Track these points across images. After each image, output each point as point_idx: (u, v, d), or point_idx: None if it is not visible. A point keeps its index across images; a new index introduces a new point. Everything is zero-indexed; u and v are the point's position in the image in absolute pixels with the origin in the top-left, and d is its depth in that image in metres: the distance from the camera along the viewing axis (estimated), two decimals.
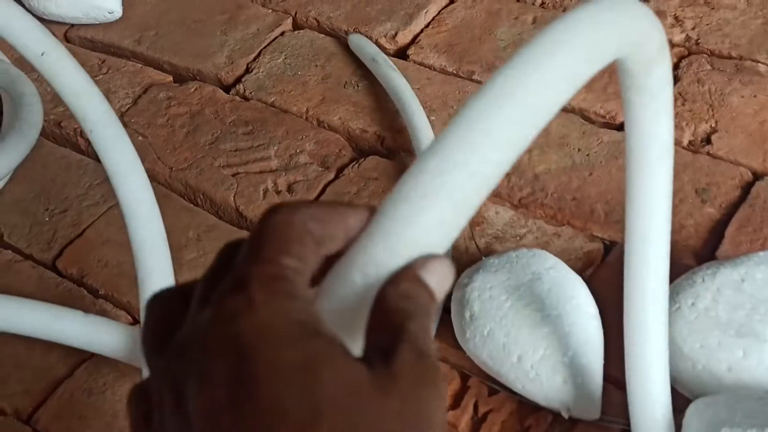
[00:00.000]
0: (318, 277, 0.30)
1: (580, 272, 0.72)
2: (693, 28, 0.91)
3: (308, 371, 0.26)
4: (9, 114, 0.93)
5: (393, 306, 0.28)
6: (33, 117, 0.88)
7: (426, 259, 0.29)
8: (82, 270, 0.81)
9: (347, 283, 0.29)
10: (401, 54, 0.97)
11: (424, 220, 0.30)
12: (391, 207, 0.30)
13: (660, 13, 0.93)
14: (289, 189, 0.85)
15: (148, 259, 0.70)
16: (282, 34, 1.01)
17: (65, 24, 1.06)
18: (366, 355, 0.27)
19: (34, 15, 1.03)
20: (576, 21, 0.35)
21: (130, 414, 0.29)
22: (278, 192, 0.85)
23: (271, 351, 0.26)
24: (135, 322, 0.77)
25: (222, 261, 0.30)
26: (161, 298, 0.31)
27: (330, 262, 0.30)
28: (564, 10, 0.96)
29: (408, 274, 0.29)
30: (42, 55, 0.66)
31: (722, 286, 0.62)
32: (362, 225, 0.30)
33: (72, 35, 1.06)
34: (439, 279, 0.29)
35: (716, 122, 0.83)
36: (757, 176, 0.78)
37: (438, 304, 0.30)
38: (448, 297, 0.71)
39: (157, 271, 0.69)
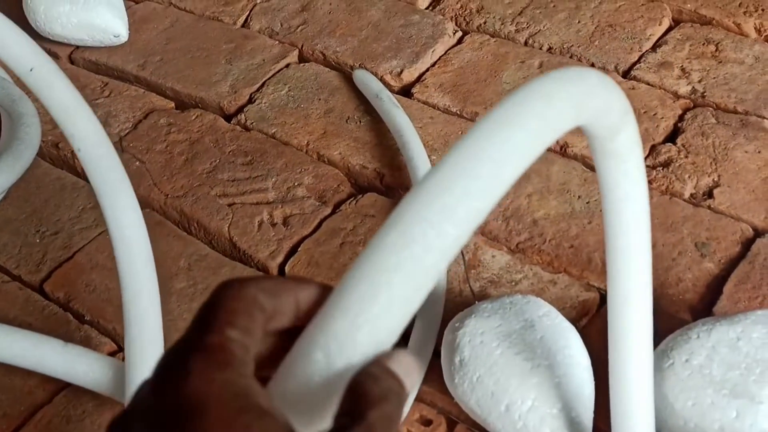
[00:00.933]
0: (267, 355, 0.31)
1: (574, 321, 0.71)
2: (699, 81, 0.91)
3: None
4: (7, 133, 0.92)
5: (360, 390, 0.28)
6: (30, 138, 0.88)
7: (391, 352, 0.30)
8: (69, 294, 0.80)
9: (307, 361, 0.30)
10: (406, 92, 0.96)
11: (385, 296, 0.30)
12: (352, 283, 0.30)
13: (667, 65, 0.93)
14: (285, 222, 0.84)
15: (134, 282, 0.69)
16: (287, 66, 1.01)
17: (71, 45, 1.06)
18: None
19: (39, 35, 1.04)
20: (531, 94, 0.36)
21: None
22: (273, 224, 0.84)
23: (199, 424, 0.26)
24: (119, 349, 0.76)
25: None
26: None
27: (281, 338, 0.31)
28: (571, 57, 0.96)
29: (377, 362, 0.29)
30: (31, 70, 0.65)
31: (717, 343, 0.61)
32: (313, 300, 0.31)
33: (76, 57, 1.06)
34: (406, 370, 0.30)
35: (719, 176, 0.82)
36: (758, 233, 0.77)
37: (407, 396, 0.30)
38: (438, 340, 0.70)
39: (143, 293, 0.68)
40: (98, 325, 0.78)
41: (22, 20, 1.07)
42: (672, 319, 0.71)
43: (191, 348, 0.28)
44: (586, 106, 0.39)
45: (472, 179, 0.32)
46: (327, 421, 0.29)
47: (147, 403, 0.27)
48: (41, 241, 0.85)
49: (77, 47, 1.06)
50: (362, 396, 0.28)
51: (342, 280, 0.31)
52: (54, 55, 1.05)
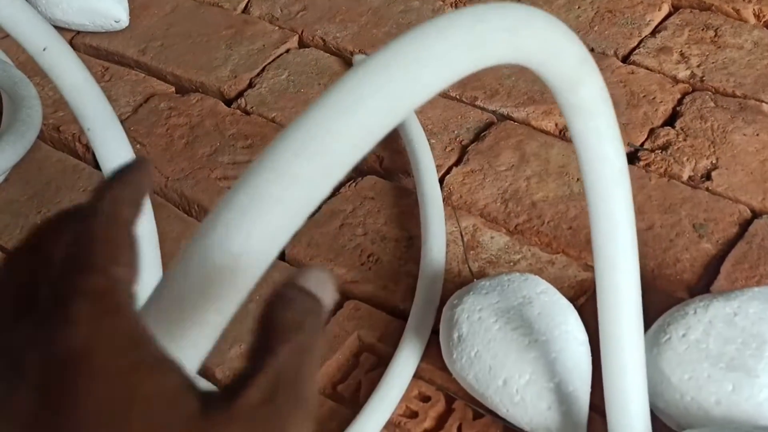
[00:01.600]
0: None
1: (572, 300, 0.71)
2: (698, 66, 0.91)
3: (128, 404, 0.22)
4: (8, 115, 0.93)
5: (268, 319, 0.25)
6: (32, 119, 0.88)
7: (300, 270, 0.26)
8: None
9: (190, 268, 0.28)
10: None
11: (267, 200, 0.30)
12: (231, 193, 0.31)
13: (666, 50, 0.93)
14: None
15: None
16: (287, 51, 1.01)
17: (71, 31, 1.06)
18: (221, 392, 0.24)
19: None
20: (468, 14, 0.37)
21: None
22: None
23: (84, 383, 0.22)
24: None
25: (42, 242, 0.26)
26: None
27: None
28: None
29: (287, 283, 0.26)
30: (44, 50, 0.66)
31: (714, 318, 0.61)
32: None
33: (77, 42, 1.06)
34: (318, 284, 0.26)
35: (717, 159, 0.82)
36: (755, 214, 0.77)
37: (326, 312, 0.26)
38: (437, 318, 0.71)
39: (145, 265, 0.69)
40: None
41: None
42: (669, 298, 0.72)
43: (73, 292, 0.23)
44: (527, 39, 0.39)
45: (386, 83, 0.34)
46: (210, 339, 0.26)
47: (14, 358, 0.23)
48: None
49: (78, 32, 1.07)
50: (272, 327, 0.24)
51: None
52: None
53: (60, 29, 1.05)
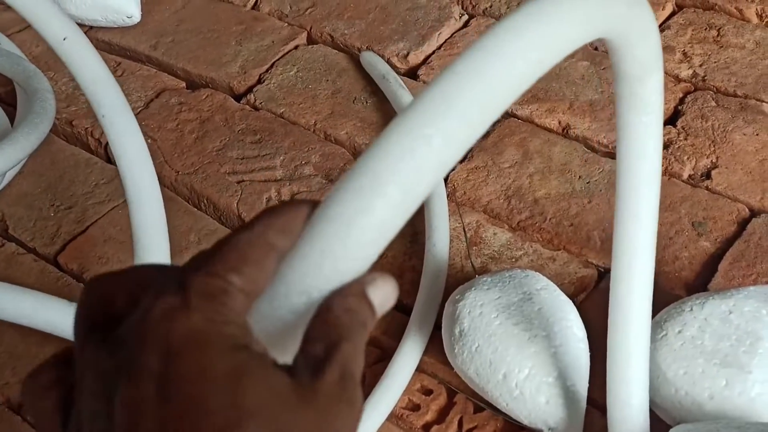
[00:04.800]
0: None
1: (572, 296, 0.73)
2: (701, 65, 0.92)
3: (234, 378, 0.26)
4: (22, 107, 0.95)
5: (334, 319, 0.28)
6: (45, 111, 0.90)
7: (373, 275, 0.30)
8: (83, 266, 0.82)
9: (282, 296, 0.29)
10: (412, 74, 0.98)
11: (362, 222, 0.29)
12: (326, 211, 0.30)
13: (669, 49, 0.94)
14: (293, 198, 0.86)
15: (147, 240, 0.71)
16: (296, 47, 1.02)
17: (84, 26, 1.08)
18: (296, 364, 0.28)
19: None
20: None
21: (35, 400, 0.29)
22: (281, 201, 0.86)
23: (200, 355, 0.26)
24: None
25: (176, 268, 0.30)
26: (105, 282, 0.30)
27: None
28: None
29: (354, 288, 0.29)
30: (64, 40, 0.68)
31: (710, 316, 0.63)
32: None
33: (90, 37, 1.07)
34: (383, 296, 0.30)
35: (717, 158, 0.83)
36: (754, 213, 0.79)
37: (377, 320, 0.30)
38: (440, 313, 0.72)
39: (154, 254, 0.71)
40: None
41: None
42: (668, 295, 0.73)
43: (190, 285, 0.27)
44: (623, 20, 0.38)
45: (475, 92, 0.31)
46: (294, 346, 0.29)
47: (134, 332, 0.27)
48: (55, 215, 0.87)
49: (91, 28, 1.08)
50: (334, 324, 0.28)
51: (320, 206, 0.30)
52: None
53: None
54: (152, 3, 1.10)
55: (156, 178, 0.72)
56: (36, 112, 0.89)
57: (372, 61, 0.96)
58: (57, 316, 0.69)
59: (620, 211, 0.51)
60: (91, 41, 1.06)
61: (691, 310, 0.64)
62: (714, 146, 0.84)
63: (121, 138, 0.68)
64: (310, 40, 1.04)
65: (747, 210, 0.79)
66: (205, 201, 0.88)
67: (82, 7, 1.05)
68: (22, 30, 1.10)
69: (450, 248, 0.79)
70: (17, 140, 0.84)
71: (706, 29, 0.96)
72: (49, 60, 1.04)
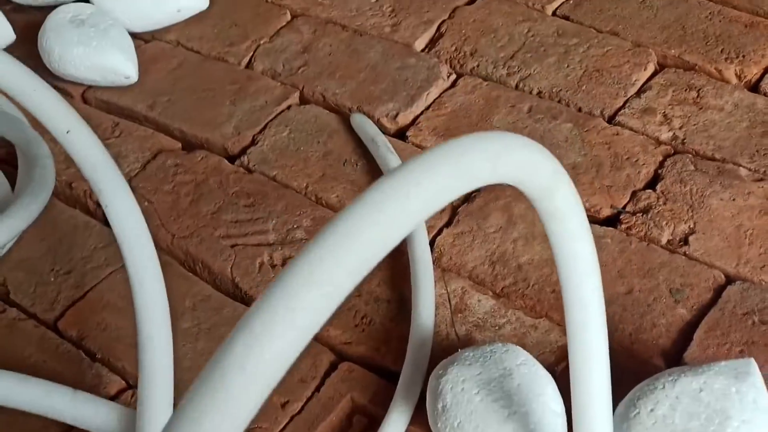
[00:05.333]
0: None
1: (553, 365, 0.76)
2: (680, 127, 0.95)
3: None
4: (23, 172, 0.98)
5: None
6: (45, 180, 0.93)
7: None
8: (82, 332, 0.85)
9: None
10: (401, 135, 1.01)
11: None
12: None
13: (650, 111, 0.97)
14: (284, 263, 0.89)
15: (149, 327, 0.74)
16: (289, 107, 1.05)
17: (83, 85, 1.11)
18: None
19: (53, 75, 1.09)
20: (451, 147, 0.41)
21: None
22: (273, 266, 0.89)
23: None
24: (128, 386, 0.81)
25: None
26: None
27: None
28: (559, 101, 1.00)
29: None
30: (67, 132, 0.71)
31: (681, 394, 0.65)
32: None
33: (89, 96, 1.11)
34: None
35: (695, 223, 0.86)
36: (729, 280, 0.82)
37: None
38: (426, 381, 0.75)
39: (156, 338, 0.73)
40: (109, 363, 0.83)
41: (36, 58, 1.13)
42: (645, 364, 0.76)
43: None
44: (506, 164, 0.44)
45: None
46: None
47: None
48: (55, 280, 0.90)
49: (89, 87, 1.11)
50: None
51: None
52: (67, 94, 1.11)
53: (72, 83, 1.11)
54: (149, 61, 1.13)
55: (158, 263, 0.74)
56: (36, 181, 0.92)
57: (362, 123, 0.99)
58: (57, 403, 0.71)
59: (568, 305, 0.55)
60: (91, 100, 1.10)
61: (663, 387, 0.66)
62: (692, 211, 0.87)
63: (125, 226, 0.71)
64: (303, 100, 1.07)
65: (723, 277, 0.82)
66: (200, 265, 0.91)
67: (81, 68, 1.08)
68: None
69: (436, 315, 0.81)
70: (18, 212, 0.87)
71: (686, 90, 0.99)
72: None
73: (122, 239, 0.71)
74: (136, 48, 1.13)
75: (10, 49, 1.16)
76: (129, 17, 1.15)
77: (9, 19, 1.19)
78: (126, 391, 0.81)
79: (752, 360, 0.69)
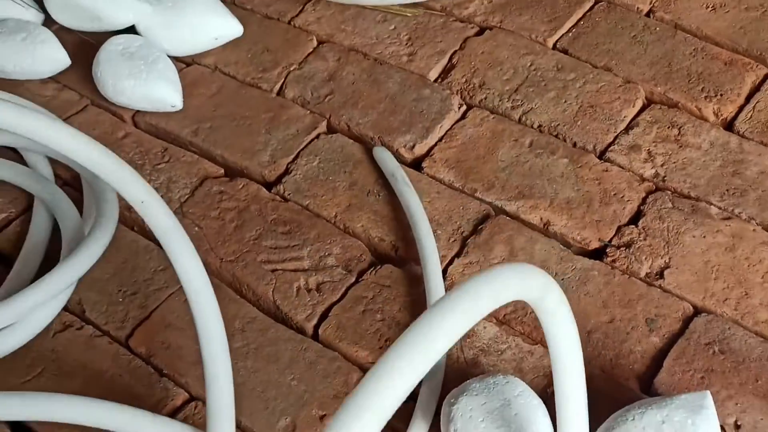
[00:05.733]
0: None
1: (545, 388, 0.91)
2: (662, 165, 1.09)
3: None
4: (88, 201, 1.12)
5: None
6: (112, 211, 1.07)
7: None
8: (149, 350, 1.01)
9: None
10: (417, 165, 1.15)
11: None
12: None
13: (636, 147, 1.11)
14: (318, 288, 1.04)
15: (211, 350, 0.89)
16: (317, 137, 1.19)
17: (133, 109, 1.25)
18: None
19: (107, 101, 1.23)
20: (474, 285, 0.58)
21: None
22: (309, 290, 1.04)
23: None
24: (191, 398, 0.97)
25: None
26: None
27: None
28: (556, 136, 1.14)
29: None
30: (142, 202, 0.86)
31: (647, 426, 0.81)
32: None
33: (138, 119, 1.25)
34: None
35: (670, 258, 1.01)
36: (697, 312, 0.96)
37: None
38: (440, 401, 0.91)
39: (219, 361, 0.89)
40: (174, 378, 0.98)
41: (90, 84, 1.26)
42: (621, 387, 0.92)
43: None
44: (516, 287, 0.61)
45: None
46: None
47: None
48: (123, 300, 1.05)
49: (138, 111, 1.25)
50: None
51: None
52: (120, 118, 1.24)
53: (123, 108, 1.24)
54: (190, 86, 1.27)
55: (216, 304, 0.89)
56: (103, 214, 1.06)
57: (383, 157, 1.13)
58: (141, 426, 0.87)
59: (557, 379, 0.71)
60: (140, 123, 1.24)
61: (633, 419, 0.82)
62: (668, 247, 1.02)
63: (191, 280, 0.86)
64: (330, 128, 1.21)
65: (691, 309, 0.97)
66: (245, 288, 1.06)
67: (132, 98, 1.21)
68: (78, 112, 1.26)
69: None
70: (90, 247, 1.02)
71: (669, 127, 1.13)
72: (106, 144, 1.21)
73: (189, 292, 0.86)
74: (178, 71, 1.27)
75: (66, 73, 1.29)
76: (171, 44, 1.28)
77: (60, 40, 1.31)
78: (190, 402, 0.97)
79: (708, 393, 0.84)
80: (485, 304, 0.58)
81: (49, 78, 1.30)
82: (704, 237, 1.02)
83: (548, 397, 0.88)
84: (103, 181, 1.09)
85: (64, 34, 1.34)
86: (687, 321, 0.96)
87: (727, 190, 1.06)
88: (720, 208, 1.04)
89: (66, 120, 1.25)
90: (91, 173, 1.11)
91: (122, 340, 1.02)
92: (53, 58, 1.27)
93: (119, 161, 0.87)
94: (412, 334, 0.56)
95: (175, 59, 1.29)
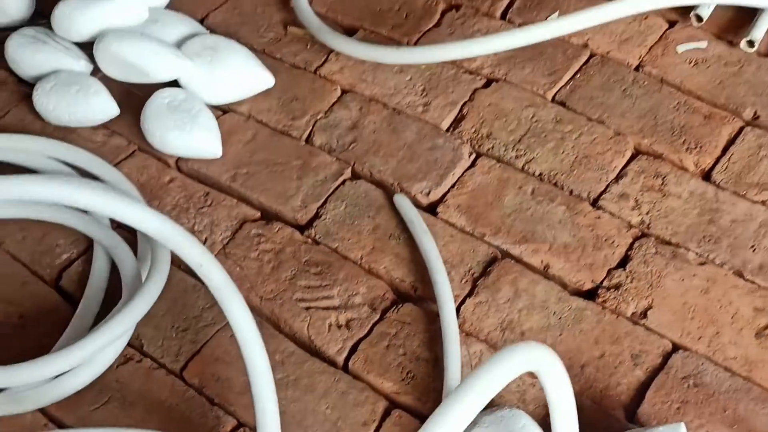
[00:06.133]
0: None
1: (544, 417, 1.07)
2: (647, 213, 1.24)
3: None
4: (143, 247, 1.27)
5: None
6: (165, 255, 1.22)
7: None
8: (201, 382, 1.16)
9: None
10: (432, 209, 1.29)
11: None
12: None
13: (625, 196, 1.26)
14: (347, 325, 1.19)
15: (260, 386, 1.05)
16: (343, 182, 1.34)
17: (175, 156, 1.39)
18: None
19: (154, 149, 1.37)
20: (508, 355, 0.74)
21: None
22: (339, 326, 1.19)
23: None
24: (239, 425, 1.13)
25: None
26: None
27: None
28: (555, 184, 1.29)
29: None
30: (201, 266, 1.01)
31: None
32: None
33: (181, 165, 1.39)
34: None
35: (652, 300, 1.16)
36: (675, 348, 1.12)
37: None
38: None
39: (266, 393, 1.04)
40: (223, 406, 1.14)
41: (138, 133, 1.41)
42: (609, 417, 1.07)
43: None
44: (526, 364, 0.78)
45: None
46: None
47: None
48: (176, 336, 1.21)
49: (180, 158, 1.39)
50: None
51: None
52: (165, 163, 1.39)
53: (167, 155, 1.39)
54: (227, 133, 1.41)
55: (262, 344, 1.04)
56: (157, 261, 1.21)
57: (402, 204, 1.28)
58: None
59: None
60: (183, 168, 1.39)
61: None
62: (651, 289, 1.17)
63: (243, 330, 1.01)
64: (354, 175, 1.35)
65: (670, 346, 1.12)
66: (283, 323, 1.21)
67: (176, 147, 1.36)
68: (127, 158, 1.41)
69: (462, 374, 1.12)
70: (148, 292, 1.17)
71: (654, 177, 1.27)
72: (153, 188, 1.36)
73: (241, 342, 1.02)
74: (216, 117, 1.41)
75: (114, 122, 1.44)
76: (210, 95, 1.43)
77: (108, 88, 1.45)
78: (239, 429, 1.12)
79: (682, 424, 1.00)
80: (499, 384, 0.74)
81: (100, 125, 1.44)
82: (683, 280, 1.17)
83: (547, 426, 1.04)
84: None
85: (110, 82, 1.48)
86: (667, 357, 1.11)
87: (704, 237, 1.21)
88: (697, 253, 1.19)
89: (116, 164, 1.39)
90: None
91: (177, 372, 1.18)
92: (104, 108, 1.42)
93: (181, 230, 1.02)
94: (435, 423, 0.71)
95: (213, 107, 1.44)
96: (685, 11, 1.45)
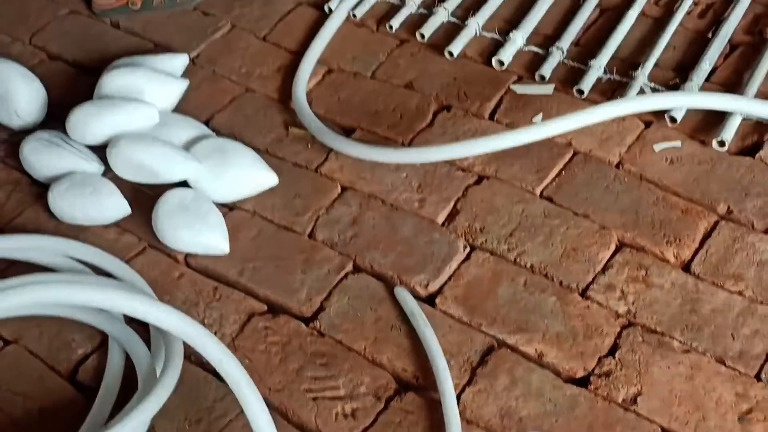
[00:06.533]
0: None
1: None
2: (633, 303, 1.32)
3: None
4: (156, 344, 1.33)
5: None
6: (178, 351, 1.28)
7: None
8: None
9: None
10: (431, 300, 1.37)
11: None
12: None
13: (611, 287, 1.34)
14: (353, 414, 1.25)
15: None
16: (346, 276, 1.41)
17: (184, 252, 1.47)
18: None
19: (164, 246, 1.45)
20: None
21: None
22: (345, 416, 1.25)
23: None
24: None
25: None
26: None
27: None
28: (545, 276, 1.37)
29: None
30: (221, 362, 1.08)
31: None
32: None
33: (190, 260, 1.46)
34: None
35: (641, 386, 1.23)
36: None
37: None
38: None
39: None
40: None
41: (149, 231, 1.48)
42: None
43: None
44: None
45: None
46: None
47: None
48: (190, 427, 1.27)
49: (189, 254, 1.47)
50: None
51: None
52: (174, 259, 1.46)
53: (177, 251, 1.46)
54: (234, 229, 1.49)
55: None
56: (171, 353, 1.28)
57: (403, 296, 1.36)
58: None
59: None
60: (192, 264, 1.46)
61: None
62: (639, 377, 1.24)
63: (258, 422, 1.07)
64: (356, 268, 1.43)
65: (660, 430, 1.19)
66: (291, 413, 1.27)
67: (187, 245, 1.43)
68: (138, 254, 1.48)
69: None
70: (163, 388, 1.22)
71: (637, 269, 1.36)
72: (164, 283, 1.43)
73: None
74: (222, 214, 1.49)
75: (126, 221, 1.51)
76: (218, 194, 1.51)
77: (118, 187, 1.53)
78: None
79: None
80: None
81: (112, 223, 1.52)
82: (669, 368, 1.25)
83: None
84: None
85: (121, 182, 1.56)
86: None
87: (686, 326, 1.29)
88: (681, 341, 1.27)
89: (128, 261, 1.46)
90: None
91: None
92: (116, 207, 1.49)
93: (200, 327, 1.09)
94: None
95: (220, 204, 1.52)
96: (660, 113, 1.56)
